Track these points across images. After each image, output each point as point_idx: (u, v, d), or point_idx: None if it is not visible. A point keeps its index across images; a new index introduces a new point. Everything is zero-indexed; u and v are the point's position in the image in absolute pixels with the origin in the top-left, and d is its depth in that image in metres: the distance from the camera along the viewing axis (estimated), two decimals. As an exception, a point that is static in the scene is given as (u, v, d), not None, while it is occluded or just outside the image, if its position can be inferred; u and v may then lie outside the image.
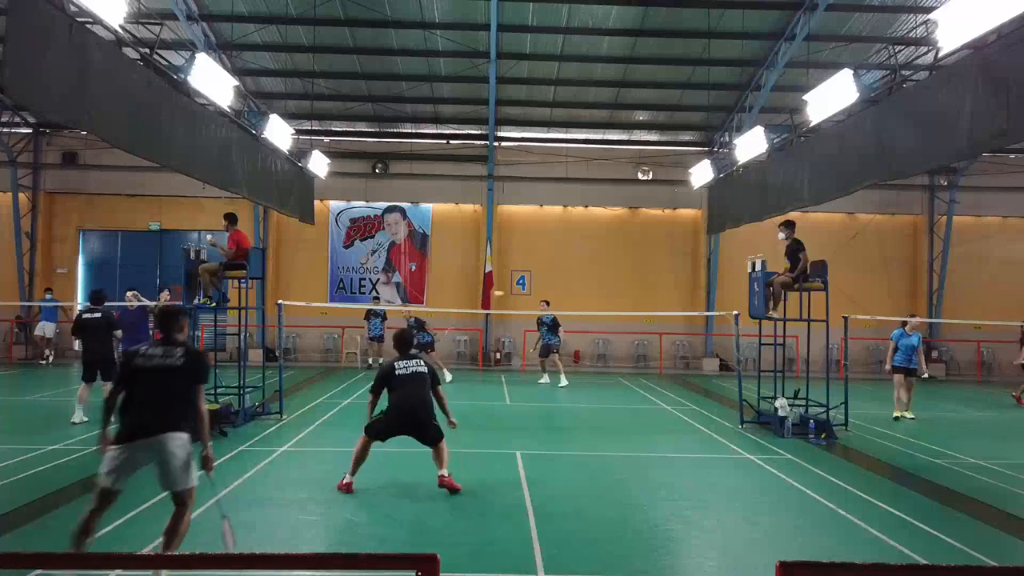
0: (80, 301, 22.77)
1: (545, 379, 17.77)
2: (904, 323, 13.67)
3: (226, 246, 11.51)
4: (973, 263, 23.07)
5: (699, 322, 23.47)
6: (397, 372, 7.66)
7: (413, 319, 18.09)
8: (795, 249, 11.56)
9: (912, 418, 13.31)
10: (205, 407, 5.32)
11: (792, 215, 13.13)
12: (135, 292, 13.23)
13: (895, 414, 13.39)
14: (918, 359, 13.42)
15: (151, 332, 13.60)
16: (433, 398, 7.76)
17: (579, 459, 9.57)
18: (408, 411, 7.57)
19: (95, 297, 11.73)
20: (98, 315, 11.49)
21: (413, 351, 8.07)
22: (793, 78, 18.85)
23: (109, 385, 10.88)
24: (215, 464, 5.31)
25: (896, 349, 13.42)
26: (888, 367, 13.58)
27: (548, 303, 18.13)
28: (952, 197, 22.98)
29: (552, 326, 17.70)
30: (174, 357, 5.27)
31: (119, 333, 11.62)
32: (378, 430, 7.65)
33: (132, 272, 22.28)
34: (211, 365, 5.92)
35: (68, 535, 4.92)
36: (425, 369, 7.79)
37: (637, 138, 23.69)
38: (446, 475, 7.56)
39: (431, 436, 7.65)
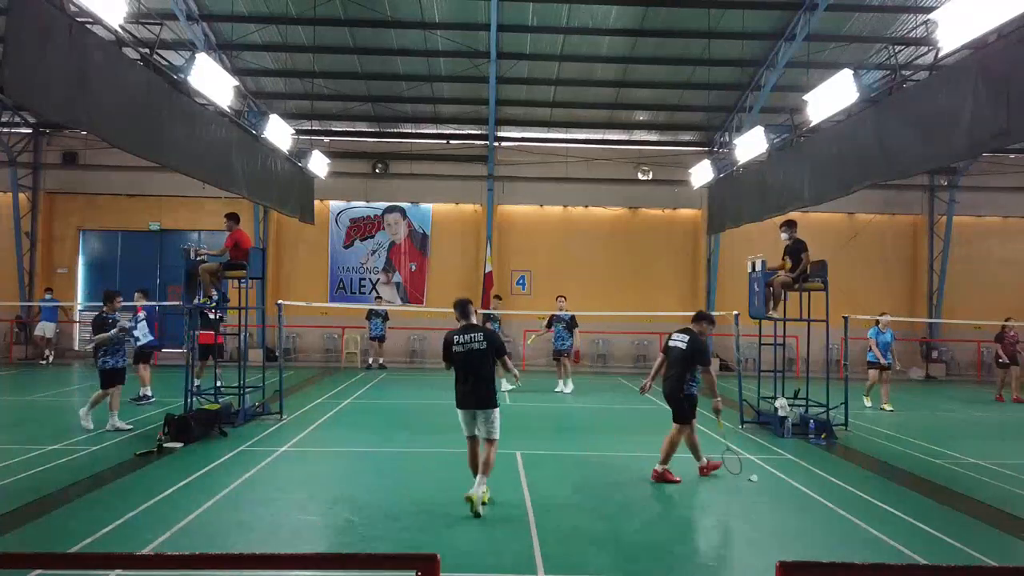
0: (80, 301, 22.81)
1: (561, 387, 16.26)
2: (877, 321, 14.66)
3: (223, 245, 11.52)
4: (973, 263, 23.07)
5: (699, 322, 23.40)
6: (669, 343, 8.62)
7: (495, 320, 17.65)
8: (797, 249, 11.57)
9: (870, 406, 14.41)
10: (511, 367, 7.42)
11: (792, 215, 13.14)
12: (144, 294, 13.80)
13: (884, 407, 14.31)
14: (891, 354, 14.57)
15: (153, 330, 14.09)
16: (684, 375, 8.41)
17: (579, 459, 9.57)
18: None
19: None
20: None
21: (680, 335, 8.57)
22: (793, 78, 18.85)
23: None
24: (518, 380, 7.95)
25: (876, 345, 14.53)
26: (884, 362, 14.49)
27: (565, 298, 16.75)
28: (952, 197, 22.96)
29: (570, 324, 16.38)
30: (478, 341, 7.00)
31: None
32: None
33: (132, 272, 22.26)
34: (504, 341, 7.56)
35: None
36: (684, 347, 8.37)
37: (637, 138, 23.67)
38: (658, 468, 8.34)
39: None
